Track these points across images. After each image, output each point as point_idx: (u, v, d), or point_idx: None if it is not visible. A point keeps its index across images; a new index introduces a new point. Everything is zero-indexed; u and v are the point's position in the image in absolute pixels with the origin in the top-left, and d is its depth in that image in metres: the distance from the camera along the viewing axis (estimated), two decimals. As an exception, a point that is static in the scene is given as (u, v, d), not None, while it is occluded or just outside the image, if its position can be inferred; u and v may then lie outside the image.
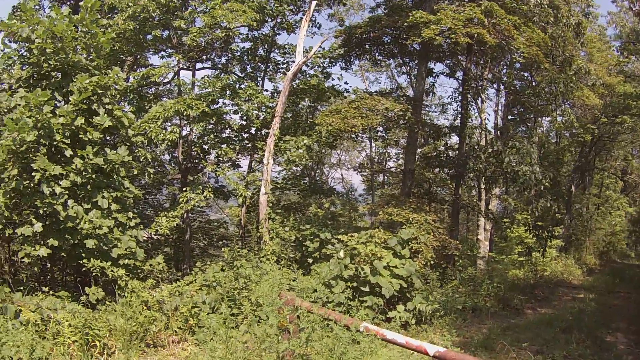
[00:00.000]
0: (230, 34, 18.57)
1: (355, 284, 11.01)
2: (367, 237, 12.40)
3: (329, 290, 10.83)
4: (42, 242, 9.81)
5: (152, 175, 17.36)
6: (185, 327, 9.13)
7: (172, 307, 9.23)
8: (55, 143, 9.94)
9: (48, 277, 11.28)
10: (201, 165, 20.61)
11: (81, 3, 11.31)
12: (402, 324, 10.54)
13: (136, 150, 13.99)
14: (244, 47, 21.41)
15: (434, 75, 22.68)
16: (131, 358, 7.61)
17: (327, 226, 15.96)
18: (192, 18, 18.48)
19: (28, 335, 6.65)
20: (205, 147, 21.20)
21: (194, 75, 20.67)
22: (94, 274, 9.73)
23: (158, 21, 18.77)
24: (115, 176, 11.40)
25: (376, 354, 7.09)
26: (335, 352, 6.80)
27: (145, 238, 13.14)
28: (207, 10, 17.85)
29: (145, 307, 8.95)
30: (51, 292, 8.99)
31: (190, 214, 21.05)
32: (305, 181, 26.09)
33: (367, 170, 37.55)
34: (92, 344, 7.42)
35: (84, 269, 9.73)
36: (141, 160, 14.57)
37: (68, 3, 21.74)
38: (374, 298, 10.85)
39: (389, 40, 20.24)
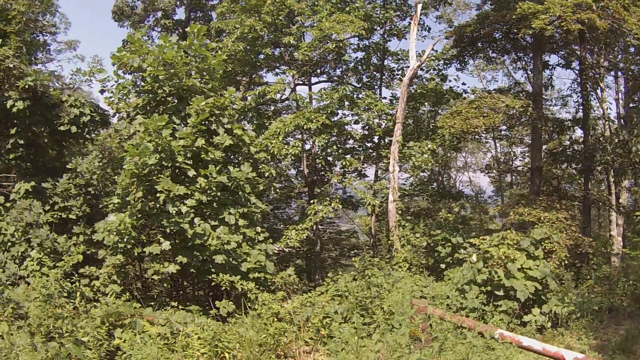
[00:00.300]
0: (341, 45, 18.64)
1: (489, 288, 10.57)
2: (499, 239, 11.90)
3: (462, 296, 10.52)
4: (171, 259, 10.18)
5: (278, 190, 17.76)
6: (316, 337, 8.98)
7: (304, 318, 9.13)
8: (177, 164, 10.33)
9: (180, 293, 11.70)
10: (327, 177, 20.74)
11: (187, 29, 11.75)
12: (537, 328, 10.01)
13: (260, 167, 14.27)
14: (356, 57, 21.54)
15: (550, 67, 21.80)
16: (261, 368, 7.54)
17: (459, 230, 15.72)
18: (300, 33, 18.84)
19: (154, 348, 6.77)
20: (330, 158, 21.40)
21: (310, 89, 21.04)
22: (224, 288, 9.88)
23: (267, 40, 19.43)
24: (240, 193, 11.66)
25: (511, 361, 6.78)
26: (469, 360, 6.60)
27: (275, 251, 13.28)
28: (315, 24, 18.08)
29: (276, 319, 8.90)
30: (181, 307, 9.24)
31: (320, 226, 21.29)
32: (433, 186, 25.79)
33: (494, 171, 36.67)
34: (221, 355, 7.45)
35: (214, 283, 9.92)
36: (266, 176, 14.85)
37: (176, 31, 23.12)
38: (509, 302, 10.32)
39: (500, 36, 20.00)
